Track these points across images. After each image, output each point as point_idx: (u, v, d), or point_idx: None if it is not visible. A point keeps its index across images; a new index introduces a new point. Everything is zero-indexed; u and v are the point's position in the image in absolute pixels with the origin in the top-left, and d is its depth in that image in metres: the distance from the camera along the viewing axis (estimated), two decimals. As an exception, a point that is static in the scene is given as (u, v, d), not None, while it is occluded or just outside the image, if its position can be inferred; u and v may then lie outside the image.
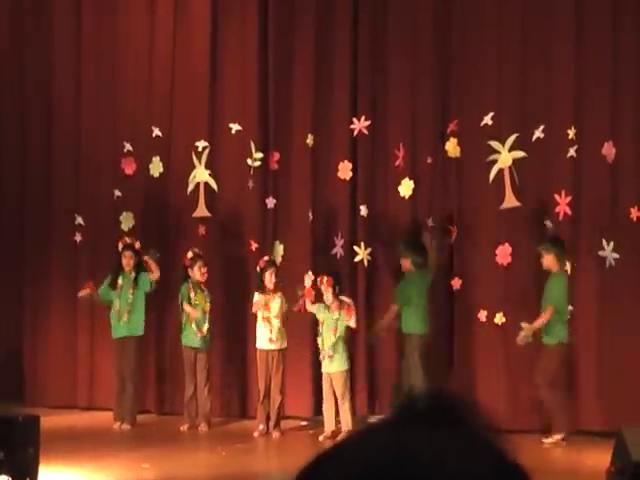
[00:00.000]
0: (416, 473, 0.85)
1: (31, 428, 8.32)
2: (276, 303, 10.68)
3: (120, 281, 11.23)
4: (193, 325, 11.00)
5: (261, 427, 10.66)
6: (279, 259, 11.30)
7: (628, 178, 10.66)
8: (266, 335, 10.68)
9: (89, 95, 12.47)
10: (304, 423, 11.22)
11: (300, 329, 11.07)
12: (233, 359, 11.69)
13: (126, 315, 11.16)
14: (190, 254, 11.10)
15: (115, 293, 11.26)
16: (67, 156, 12.47)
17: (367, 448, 0.89)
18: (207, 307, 11.06)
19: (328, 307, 10.46)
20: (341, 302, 10.43)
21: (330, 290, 10.39)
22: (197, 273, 11.03)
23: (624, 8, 10.76)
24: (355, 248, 11.41)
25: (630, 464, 6.71)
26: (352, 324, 10.46)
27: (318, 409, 10.95)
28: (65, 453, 9.23)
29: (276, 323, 10.67)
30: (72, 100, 12.53)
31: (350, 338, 10.94)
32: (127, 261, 11.20)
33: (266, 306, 10.69)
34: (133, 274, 11.23)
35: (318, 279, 10.57)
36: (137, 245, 11.29)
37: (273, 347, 10.66)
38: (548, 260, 10.42)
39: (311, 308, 10.58)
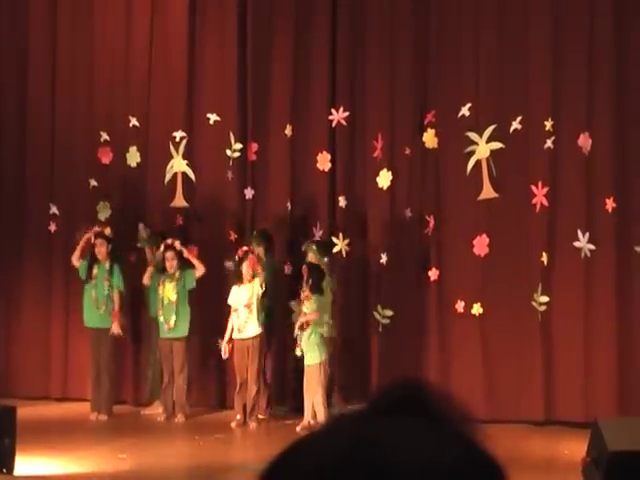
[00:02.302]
0: (376, 462, 0.86)
1: (7, 419, 8.30)
2: (246, 292, 10.64)
3: (95, 271, 11.17)
4: (161, 318, 10.97)
5: (238, 417, 10.66)
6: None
7: (604, 169, 10.71)
8: (235, 325, 10.69)
9: (64, 84, 12.38)
10: (282, 413, 11.22)
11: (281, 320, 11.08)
12: (211, 350, 11.66)
13: (103, 307, 11.11)
14: (162, 246, 11.09)
15: (91, 283, 11.20)
16: (42, 146, 12.37)
17: (333, 438, 0.90)
18: (174, 298, 11.00)
19: (300, 300, 10.45)
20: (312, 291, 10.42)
21: (305, 278, 10.39)
22: (167, 264, 11.01)
23: (600, 1, 10.80)
24: (333, 239, 11.42)
25: (606, 454, 6.77)
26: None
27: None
28: (41, 444, 9.18)
29: (243, 311, 10.64)
30: (47, 89, 12.43)
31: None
32: (98, 249, 11.13)
33: (237, 296, 10.68)
34: (107, 264, 11.16)
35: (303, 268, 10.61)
36: (107, 232, 11.22)
37: (242, 336, 10.65)
38: (260, 252, 10.94)
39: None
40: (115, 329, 11.04)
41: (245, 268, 10.66)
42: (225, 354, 10.76)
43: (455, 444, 0.89)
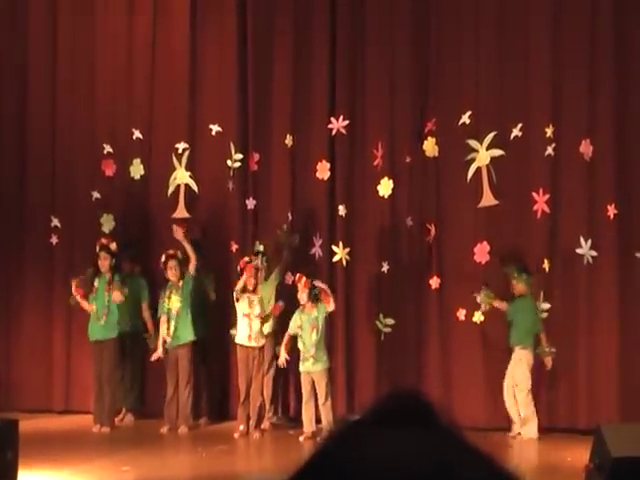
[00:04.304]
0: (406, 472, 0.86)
1: (9, 432, 8.27)
2: (256, 302, 10.68)
3: (96, 284, 11.18)
4: (163, 327, 10.99)
5: (242, 428, 10.65)
6: (259, 260, 11.26)
7: (605, 176, 10.71)
8: (246, 332, 10.69)
9: (65, 96, 12.41)
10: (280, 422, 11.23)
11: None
12: (214, 360, 11.65)
13: (104, 318, 11.11)
14: (163, 257, 11.11)
15: (92, 297, 11.19)
16: (42, 158, 12.39)
17: (354, 450, 0.89)
18: (177, 307, 11.02)
19: (303, 308, 10.47)
20: (317, 298, 10.44)
21: (306, 291, 10.40)
22: (169, 273, 11.03)
23: (601, 7, 10.80)
24: (334, 248, 11.42)
25: (609, 460, 6.75)
26: (331, 308, 10.46)
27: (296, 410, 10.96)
28: (44, 457, 9.16)
29: (257, 323, 10.66)
30: (48, 101, 12.46)
31: (329, 337, 10.95)
32: (102, 262, 11.14)
33: (250, 304, 10.70)
34: (108, 275, 11.17)
35: (296, 277, 10.61)
36: (113, 246, 11.24)
37: (252, 344, 10.65)
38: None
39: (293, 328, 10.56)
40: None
41: (249, 277, 10.67)
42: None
43: (473, 458, 0.89)
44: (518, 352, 10.30)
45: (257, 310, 10.66)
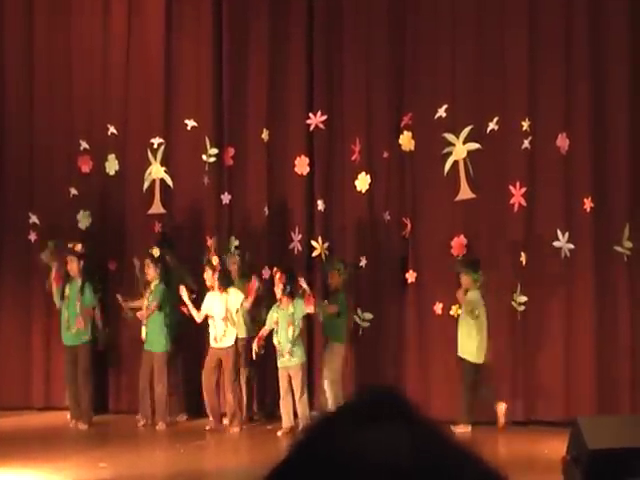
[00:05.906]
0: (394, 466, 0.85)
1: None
2: (220, 303, 10.63)
3: (67, 290, 11.07)
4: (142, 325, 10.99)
5: (211, 419, 10.67)
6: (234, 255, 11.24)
7: (582, 169, 10.75)
8: (212, 334, 10.69)
9: (42, 95, 12.35)
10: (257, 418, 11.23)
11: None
12: (190, 357, 11.62)
13: (74, 327, 11.00)
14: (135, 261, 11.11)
15: (63, 303, 11.10)
16: (20, 156, 12.33)
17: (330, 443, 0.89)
18: (153, 307, 10.99)
19: (279, 303, 10.44)
20: (293, 295, 10.42)
21: (280, 286, 10.38)
22: (148, 272, 10.99)
23: (576, 4, 10.83)
24: (313, 243, 11.41)
25: (586, 452, 6.78)
26: (310, 310, 10.48)
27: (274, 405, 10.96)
28: (22, 453, 9.16)
29: (221, 324, 10.62)
30: (25, 100, 12.40)
31: (308, 332, 10.95)
32: (70, 266, 11.02)
33: (213, 305, 10.69)
34: (79, 281, 11.04)
35: (273, 271, 10.58)
36: (78, 247, 11.10)
37: (218, 346, 10.64)
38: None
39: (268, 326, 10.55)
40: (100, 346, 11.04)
41: (207, 278, 10.65)
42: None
43: (455, 453, 0.89)
44: (331, 344, 10.58)
45: (220, 310, 10.61)
